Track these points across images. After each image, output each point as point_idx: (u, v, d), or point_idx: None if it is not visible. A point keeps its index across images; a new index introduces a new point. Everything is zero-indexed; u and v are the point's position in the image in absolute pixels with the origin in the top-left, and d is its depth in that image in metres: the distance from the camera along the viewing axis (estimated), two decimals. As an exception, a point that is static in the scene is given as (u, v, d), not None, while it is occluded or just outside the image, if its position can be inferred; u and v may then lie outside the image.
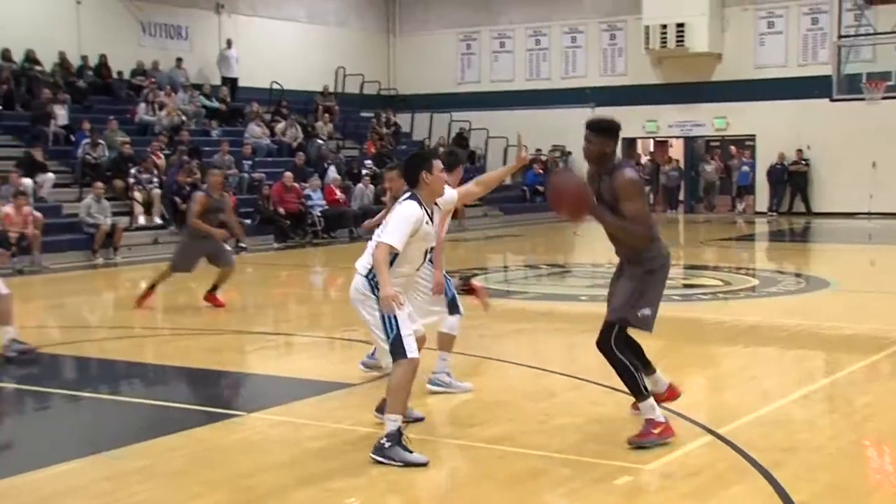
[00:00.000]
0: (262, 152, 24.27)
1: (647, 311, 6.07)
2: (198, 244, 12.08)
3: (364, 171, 24.13)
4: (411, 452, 5.68)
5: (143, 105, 23.49)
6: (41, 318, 11.87)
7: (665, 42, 27.71)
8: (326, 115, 27.53)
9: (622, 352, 6.05)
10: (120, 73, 24.64)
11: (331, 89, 29.27)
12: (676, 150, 31.62)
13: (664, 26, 27.59)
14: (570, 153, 29.56)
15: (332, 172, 23.85)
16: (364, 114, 29.58)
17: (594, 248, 21.37)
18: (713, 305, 12.28)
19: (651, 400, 6.08)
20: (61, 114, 21.28)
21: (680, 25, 27.44)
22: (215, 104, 25.58)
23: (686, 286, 14.06)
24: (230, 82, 26.62)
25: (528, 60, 30.82)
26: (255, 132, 24.83)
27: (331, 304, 13.89)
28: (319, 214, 21.86)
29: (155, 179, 20.35)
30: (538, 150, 29.67)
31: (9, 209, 16.55)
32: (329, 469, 5.66)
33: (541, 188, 29.05)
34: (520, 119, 29.44)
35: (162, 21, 26.18)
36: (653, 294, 6.15)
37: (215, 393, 8.21)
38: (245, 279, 16.22)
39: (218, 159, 21.93)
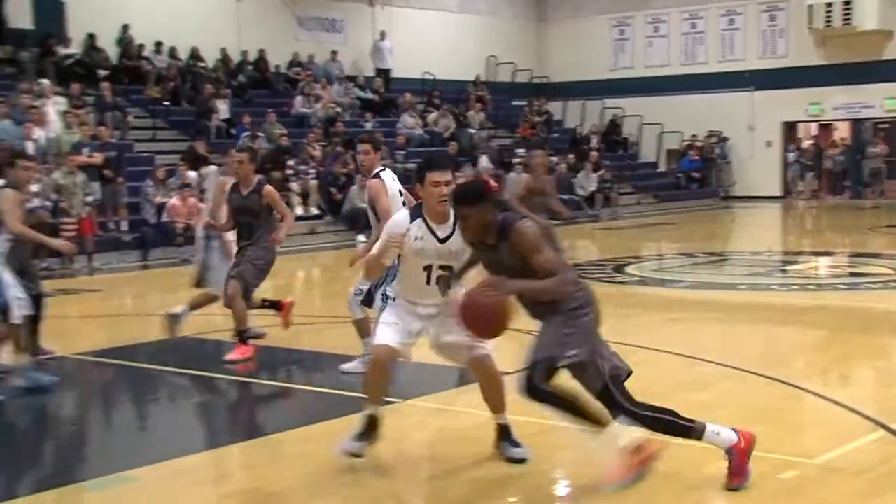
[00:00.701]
0: (414, 142, 24.51)
1: (573, 352, 4.91)
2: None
3: (516, 160, 24.07)
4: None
5: (299, 98, 24.05)
6: (207, 307, 12.28)
7: (830, 21, 26.63)
8: (478, 104, 27.59)
9: (551, 389, 4.93)
10: (277, 67, 25.29)
11: (482, 78, 29.31)
12: (841, 133, 30.34)
13: (829, 4, 26.52)
14: (727, 139, 28.77)
15: (484, 161, 23.89)
16: (516, 102, 29.51)
17: (753, 236, 20.73)
18: (883, 294, 11.71)
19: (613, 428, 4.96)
20: (223, 108, 21.98)
21: (847, 3, 26.31)
22: (369, 95, 25.97)
23: (853, 275, 13.46)
24: (384, 73, 26.97)
25: (683, 44, 30.12)
26: (409, 122, 25.09)
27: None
28: (471, 203, 21.88)
29: (311, 171, 20.80)
30: (693, 136, 28.98)
31: (175, 201, 17.19)
32: (484, 456, 5.64)
33: (696, 175, 28.38)
34: (675, 105, 28.86)
35: (317, 15, 26.72)
36: (581, 336, 4.94)
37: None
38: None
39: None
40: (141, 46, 22.77)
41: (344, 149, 21.79)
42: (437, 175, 5.27)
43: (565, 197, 23.80)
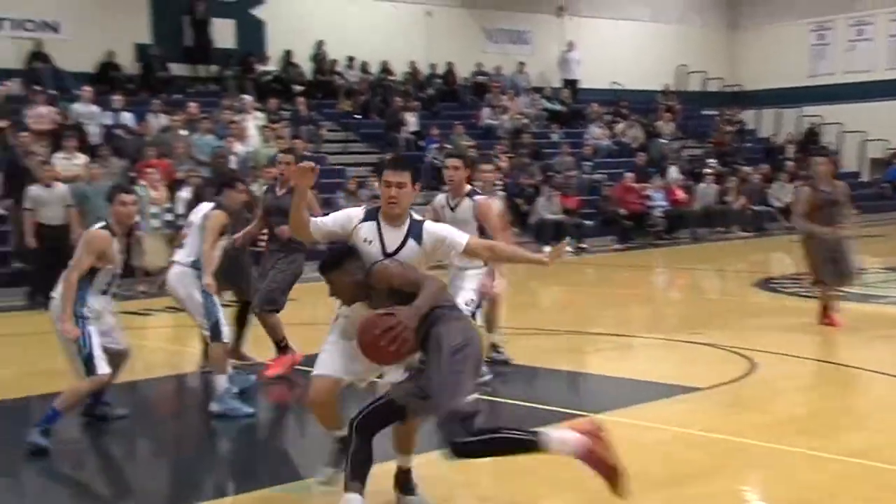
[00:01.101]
0: (602, 153, 24.22)
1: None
2: None
3: (707, 171, 23.42)
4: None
5: (486, 109, 24.17)
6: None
7: None
8: (667, 114, 27.02)
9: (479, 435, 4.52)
10: (465, 79, 25.53)
11: (672, 88, 28.71)
12: None
13: None
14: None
15: (674, 172, 23.36)
16: (706, 112, 28.74)
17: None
18: None
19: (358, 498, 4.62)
20: (412, 120, 22.34)
21: None
22: (556, 106, 25.86)
23: None
24: (571, 84, 26.80)
25: (890, 48, 28.60)
26: (596, 133, 24.83)
27: (672, 306, 13.54)
28: (661, 215, 21.47)
29: (498, 182, 20.82)
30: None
31: (365, 211, 17.54)
32: (675, 474, 5.43)
33: (902, 185, 26.87)
34: (880, 111, 27.43)
35: (505, 27, 26.82)
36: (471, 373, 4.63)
37: (555, 392, 8.18)
38: (585, 279, 16.21)
39: (560, 161, 22.12)
40: (334, 62, 23.44)
41: (531, 160, 21.74)
42: (388, 175, 4.95)
43: (759, 208, 22.99)
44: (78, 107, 17.50)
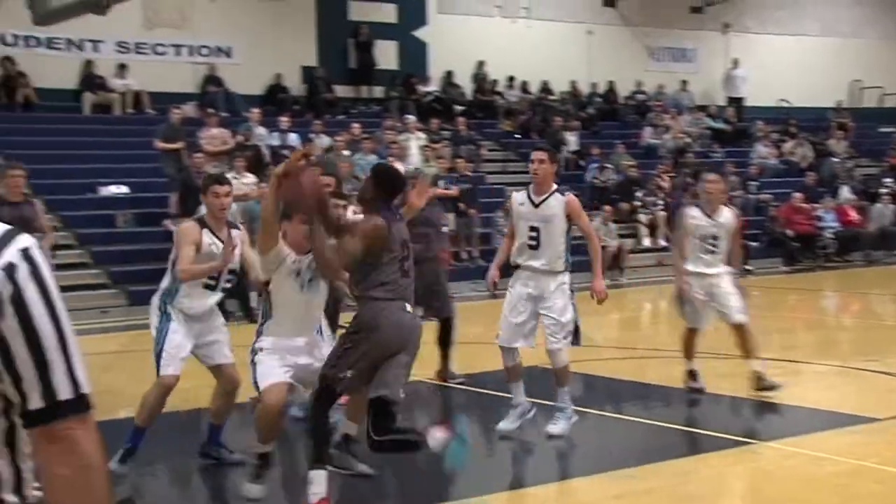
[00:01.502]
0: (769, 172, 23.46)
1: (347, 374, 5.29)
2: None
3: (883, 190, 22.38)
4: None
5: (648, 129, 23.79)
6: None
7: None
8: (840, 131, 25.97)
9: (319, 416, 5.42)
10: (626, 98, 25.21)
11: (845, 104, 27.59)
12: None
13: None
14: None
15: (846, 192, 22.42)
16: (884, 129, 27.47)
17: None
18: None
19: (322, 473, 5.32)
20: (572, 140, 22.19)
21: None
22: (720, 125, 25.23)
23: None
24: (736, 102, 26.11)
25: None
26: (762, 152, 24.08)
27: (845, 332, 12.95)
28: (832, 236, 20.63)
29: (660, 202, 20.46)
30: None
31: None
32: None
33: None
34: None
35: (668, 45, 26.37)
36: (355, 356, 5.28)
37: (723, 418, 7.90)
38: (751, 303, 15.67)
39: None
40: (494, 82, 23.54)
41: (694, 179, 21.24)
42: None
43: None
44: (249, 127, 18.09)
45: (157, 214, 15.87)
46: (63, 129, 18.23)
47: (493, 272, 7.45)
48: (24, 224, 7.09)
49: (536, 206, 7.08)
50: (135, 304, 13.54)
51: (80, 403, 1.81)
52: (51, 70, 18.71)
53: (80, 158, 17.51)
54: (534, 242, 7.04)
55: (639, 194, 20.46)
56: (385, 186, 5.53)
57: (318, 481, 5.26)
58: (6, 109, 18.05)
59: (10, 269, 1.79)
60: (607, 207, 19.05)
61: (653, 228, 20.10)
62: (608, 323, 14.63)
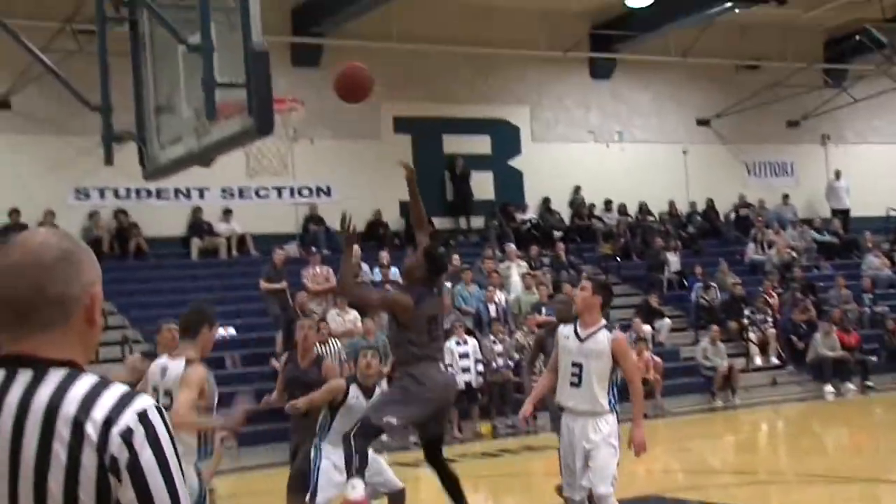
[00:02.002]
0: (882, 284, 22.76)
1: (392, 420, 6.41)
2: None
3: None
4: None
5: (751, 245, 23.42)
6: (666, 462, 11.93)
7: None
8: (952, 237, 25.17)
9: (357, 441, 6.46)
10: (726, 215, 24.94)
11: (954, 209, 26.78)
12: None
13: None
14: None
15: (966, 300, 21.56)
16: None
17: None
18: None
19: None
20: (674, 260, 21.95)
21: None
22: (826, 237, 24.71)
23: None
24: (841, 214, 25.59)
25: None
26: (874, 263, 23.42)
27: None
28: (954, 347, 19.75)
29: (769, 319, 19.97)
30: None
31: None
32: None
33: None
34: None
35: (766, 159, 26.13)
36: (411, 409, 6.49)
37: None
38: (874, 421, 15.03)
39: (834, 295, 20.98)
40: (591, 206, 23.58)
41: (803, 295, 20.74)
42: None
43: None
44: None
45: (264, 354, 16.09)
46: (172, 275, 18.78)
47: (527, 407, 7.04)
48: None
49: (582, 340, 6.62)
50: (243, 445, 13.61)
51: None
52: (160, 219, 19.43)
53: (189, 303, 17.90)
54: (575, 380, 6.54)
55: (747, 312, 20.01)
56: (433, 267, 6.69)
57: (360, 486, 6.38)
58: (119, 259, 18.71)
59: (128, 433, 1.79)
60: (714, 327, 18.65)
61: (763, 346, 19.56)
62: (723, 446, 14.15)
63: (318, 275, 17.39)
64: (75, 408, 1.79)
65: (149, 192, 19.17)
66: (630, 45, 23.40)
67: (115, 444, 1.78)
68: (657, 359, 17.55)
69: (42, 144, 18.60)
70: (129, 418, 1.80)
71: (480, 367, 15.76)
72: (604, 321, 6.75)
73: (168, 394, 5.77)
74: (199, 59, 5.81)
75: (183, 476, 1.86)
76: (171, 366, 5.89)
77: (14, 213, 17.93)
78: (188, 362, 5.66)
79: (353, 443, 6.44)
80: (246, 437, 13.85)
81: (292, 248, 19.35)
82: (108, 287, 14.88)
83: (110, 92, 6.82)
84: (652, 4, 21.42)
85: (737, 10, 21.42)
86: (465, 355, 15.12)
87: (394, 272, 18.45)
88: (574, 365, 6.53)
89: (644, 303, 19.92)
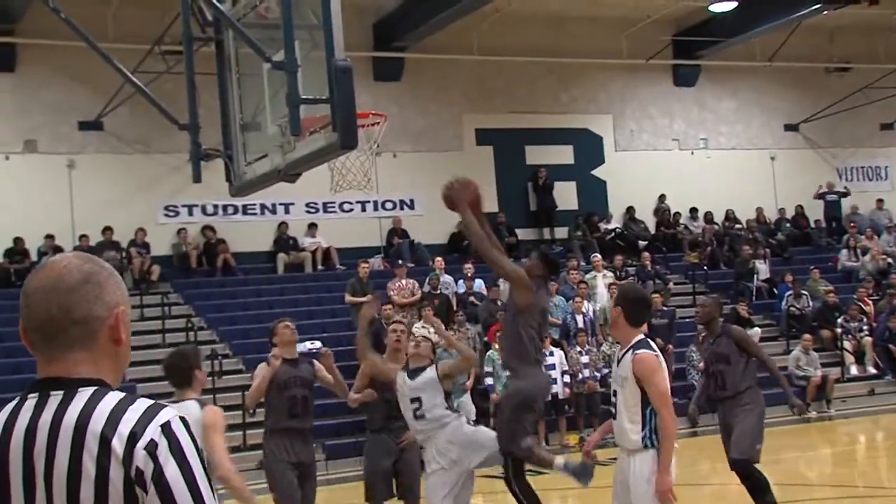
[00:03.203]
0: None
1: (527, 441, 6.59)
2: None
3: None
4: None
5: (844, 252, 22.85)
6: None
7: None
8: None
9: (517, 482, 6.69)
10: (817, 221, 24.39)
11: None
12: None
13: None
14: None
15: None
16: None
17: None
18: None
19: None
20: (763, 268, 21.52)
21: None
22: (923, 242, 23.99)
23: None
24: (938, 217, 24.84)
25: None
26: (973, 268, 22.65)
27: None
28: None
29: (865, 327, 19.43)
30: None
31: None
32: None
33: None
34: None
35: (858, 164, 25.51)
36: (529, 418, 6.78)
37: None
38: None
39: (932, 300, 20.32)
40: (677, 214, 23.26)
41: (899, 302, 20.12)
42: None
43: None
44: (435, 275, 18.39)
45: (350, 367, 16.16)
46: (259, 289, 19.03)
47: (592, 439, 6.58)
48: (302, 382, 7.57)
49: (618, 363, 5.77)
50: (331, 458, 13.70)
51: None
52: (246, 234, 19.72)
53: (276, 317, 18.06)
54: (613, 409, 5.72)
55: (840, 320, 19.50)
56: (549, 268, 7.26)
57: None
58: (208, 275, 19.04)
59: (152, 446, 1.86)
60: (806, 336, 18.21)
61: (859, 356, 19.04)
62: (820, 458, 13.80)
63: (403, 287, 17.44)
64: (102, 424, 1.87)
65: (235, 209, 19.50)
66: (714, 51, 23.09)
67: (140, 458, 1.84)
68: (748, 369, 17.16)
69: (133, 163, 19.06)
70: (152, 431, 1.86)
71: (567, 378, 15.66)
72: (637, 339, 5.68)
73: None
74: (283, 76, 5.88)
75: (210, 484, 1.90)
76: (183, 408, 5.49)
77: (107, 230, 18.39)
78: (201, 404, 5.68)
79: (516, 488, 6.74)
80: (335, 450, 13.97)
81: (376, 262, 19.46)
82: (197, 303, 15.29)
83: (197, 110, 6.94)
84: (736, 9, 21.09)
85: (825, 13, 20.94)
86: (551, 367, 15.00)
87: (478, 284, 18.42)
88: (613, 394, 5.74)
89: (733, 312, 19.53)
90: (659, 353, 5.70)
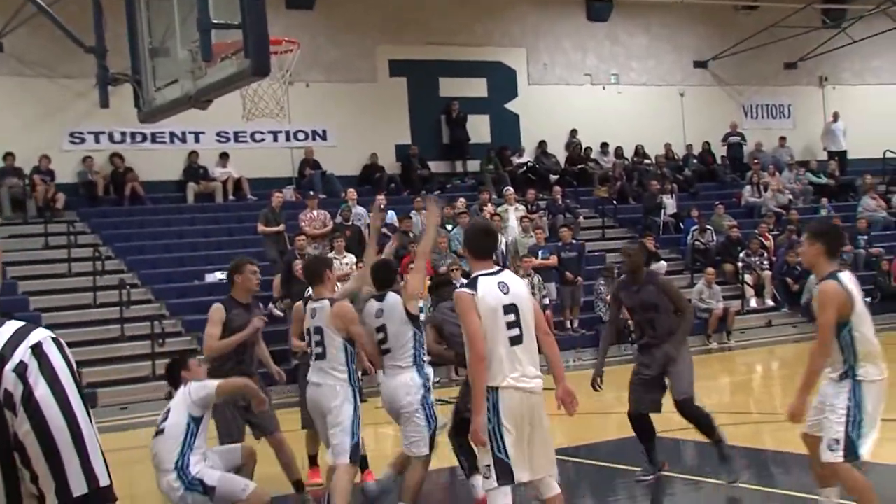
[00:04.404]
0: (877, 226, 22.81)
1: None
2: None
3: None
4: None
5: (748, 188, 23.42)
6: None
7: None
8: (948, 179, 25.17)
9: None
10: (722, 157, 24.90)
11: (951, 151, 26.74)
12: None
13: None
14: None
15: (959, 242, 21.62)
16: None
17: None
18: None
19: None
20: (670, 203, 21.95)
21: None
22: (823, 180, 24.70)
23: None
24: (838, 156, 25.56)
25: None
26: (870, 205, 23.43)
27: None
28: (948, 288, 19.86)
29: (765, 261, 20.04)
30: None
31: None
32: None
33: None
34: None
35: (763, 102, 26.05)
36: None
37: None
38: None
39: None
40: (588, 149, 23.52)
41: (798, 237, 20.77)
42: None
43: None
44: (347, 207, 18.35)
45: (261, 298, 16.12)
46: (169, 219, 18.78)
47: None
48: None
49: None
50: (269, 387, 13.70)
51: (97, 498, 1.81)
52: (155, 163, 19.36)
53: (186, 247, 17.98)
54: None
55: (742, 255, 20.07)
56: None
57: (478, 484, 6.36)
58: (115, 203, 18.69)
59: (21, 368, 1.80)
60: (710, 269, 18.70)
61: (759, 289, 19.65)
62: (720, 388, 14.28)
63: (314, 218, 17.38)
64: None
65: (144, 137, 19.10)
66: (627, -15, 23.19)
67: (11, 380, 1.78)
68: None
69: (36, 88, 18.49)
70: (22, 353, 1.81)
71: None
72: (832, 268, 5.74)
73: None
74: (194, 0, 5.78)
75: (86, 405, 1.84)
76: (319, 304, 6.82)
77: (8, 156, 17.88)
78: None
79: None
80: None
81: (288, 192, 19.32)
82: (105, 232, 15.01)
83: (104, 34, 6.79)
84: (650, -56, 21.18)
85: (735, -50, 21.17)
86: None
87: (390, 216, 18.46)
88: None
89: (640, 245, 19.90)
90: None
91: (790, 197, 23.31)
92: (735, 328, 18.40)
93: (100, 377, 13.87)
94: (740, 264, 19.87)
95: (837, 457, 5.30)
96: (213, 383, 6.54)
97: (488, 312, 5.19)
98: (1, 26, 17.45)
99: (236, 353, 7.27)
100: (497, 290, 5.29)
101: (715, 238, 20.63)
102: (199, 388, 6.43)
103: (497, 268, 5.48)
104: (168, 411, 6.49)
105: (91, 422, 1.85)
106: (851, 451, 5.30)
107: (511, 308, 5.26)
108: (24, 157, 18.00)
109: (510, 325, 5.23)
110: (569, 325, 17.86)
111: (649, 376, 7.78)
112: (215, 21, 5.72)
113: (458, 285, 6.95)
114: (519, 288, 5.43)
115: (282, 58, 8.42)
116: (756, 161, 24.26)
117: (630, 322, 8.68)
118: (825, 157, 25.68)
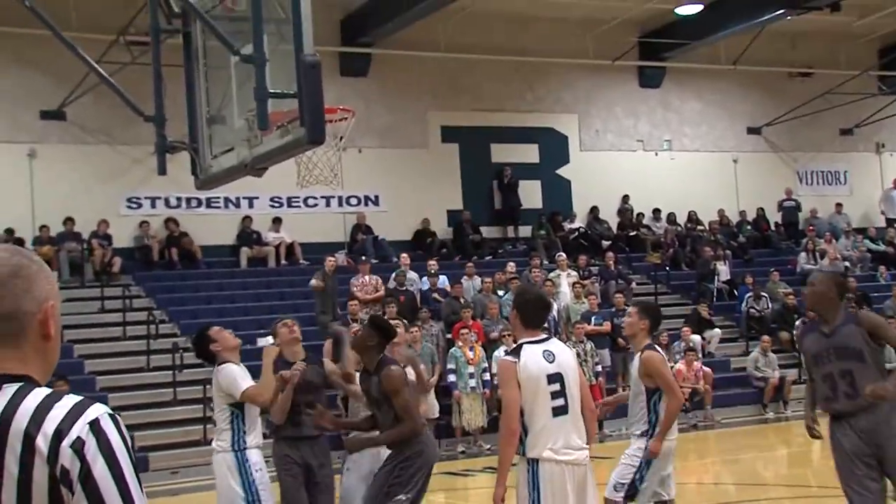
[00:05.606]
0: (937, 293, 22.34)
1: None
2: None
3: None
4: None
5: (803, 254, 23.12)
6: (717, 474, 11.81)
7: None
8: None
9: None
10: (777, 224, 24.66)
11: None
12: None
13: None
14: None
15: None
16: None
17: None
18: None
19: None
20: (723, 269, 21.72)
21: None
22: (881, 247, 24.33)
23: None
24: None
25: None
26: (928, 272, 23.01)
27: None
28: None
29: (823, 329, 19.66)
30: None
31: (680, 365, 17.05)
32: None
33: None
34: None
35: (819, 168, 25.82)
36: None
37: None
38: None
39: (890, 304, 20.61)
40: (640, 215, 23.43)
41: (857, 305, 20.39)
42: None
43: None
44: (401, 272, 18.37)
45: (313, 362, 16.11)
46: (222, 283, 18.94)
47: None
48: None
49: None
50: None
51: None
52: (210, 228, 19.61)
53: (238, 311, 18.09)
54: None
55: (798, 322, 19.73)
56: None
57: None
58: (169, 267, 18.91)
59: (79, 444, 1.79)
60: (766, 337, 18.43)
61: (817, 357, 19.24)
62: (777, 459, 13.97)
63: (366, 284, 17.43)
64: (26, 421, 1.80)
65: (199, 202, 19.38)
66: (679, 53, 23.25)
67: (67, 456, 1.78)
68: (707, 369, 17.38)
69: (96, 154, 18.88)
70: (80, 429, 1.80)
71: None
72: (647, 342, 6.71)
73: None
74: (250, 69, 5.86)
75: (139, 483, 1.84)
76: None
77: (68, 221, 18.22)
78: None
79: None
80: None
81: (340, 258, 19.42)
82: (159, 296, 15.16)
83: (163, 102, 6.90)
84: (701, 12, 21.26)
85: (788, 18, 21.18)
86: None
87: (442, 281, 18.46)
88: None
89: (693, 313, 19.72)
90: None
91: (847, 264, 22.96)
92: (792, 398, 18.01)
93: (152, 441, 13.90)
94: (796, 332, 19.52)
95: None
96: (241, 385, 6.67)
97: (530, 381, 5.08)
98: (65, 96, 17.90)
99: (293, 412, 7.08)
100: (541, 359, 5.17)
101: (770, 305, 20.33)
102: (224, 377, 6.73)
103: (544, 336, 5.39)
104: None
105: (144, 497, 1.85)
106: None
107: (556, 377, 5.14)
108: (84, 222, 18.33)
109: (554, 395, 5.11)
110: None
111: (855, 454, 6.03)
112: (272, 90, 5.80)
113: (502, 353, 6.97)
114: (566, 357, 5.33)
115: (336, 125, 8.51)
116: (811, 228, 23.99)
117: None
118: (883, 223, 25.33)
